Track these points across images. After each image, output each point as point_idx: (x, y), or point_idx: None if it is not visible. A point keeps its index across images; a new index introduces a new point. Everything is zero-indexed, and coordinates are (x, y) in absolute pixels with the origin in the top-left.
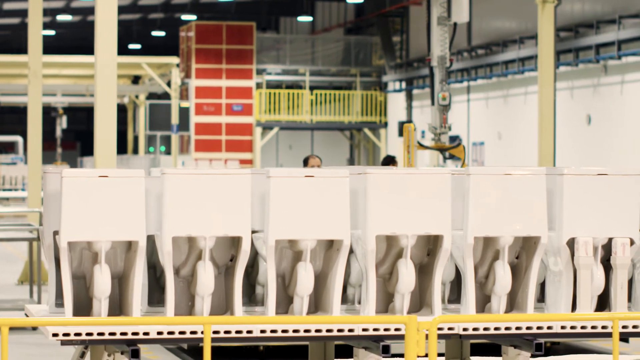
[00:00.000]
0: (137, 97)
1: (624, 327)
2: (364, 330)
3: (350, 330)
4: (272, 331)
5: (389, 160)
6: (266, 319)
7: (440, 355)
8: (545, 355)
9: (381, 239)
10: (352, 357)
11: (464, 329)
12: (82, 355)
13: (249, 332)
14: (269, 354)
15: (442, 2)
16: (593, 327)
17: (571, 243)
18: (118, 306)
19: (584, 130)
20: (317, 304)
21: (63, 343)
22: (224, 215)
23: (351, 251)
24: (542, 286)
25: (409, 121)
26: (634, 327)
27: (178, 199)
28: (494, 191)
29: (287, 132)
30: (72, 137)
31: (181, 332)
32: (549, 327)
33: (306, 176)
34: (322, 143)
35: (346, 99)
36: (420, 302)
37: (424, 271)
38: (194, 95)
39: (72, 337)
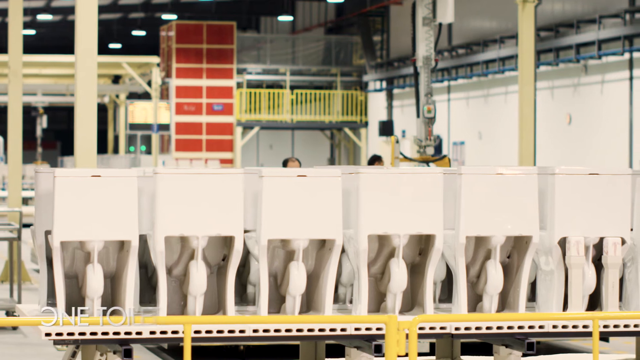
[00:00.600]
0: (117, 96)
1: (615, 326)
2: (342, 330)
3: (342, 330)
4: (265, 330)
5: (375, 159)
6: (246, 318)
7: (427, 354)
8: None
9: (373, 238)
10: (343, 356)
11: (456, 329)
12: (74, 355)
13: (241, 331)
14: (250, 353)
15: (427, 3)
16: (585, 327)
17: (562, 242)
18: (110, 306)
19: (565, 130)
20: (309, 304)
21: (56, 343)
22: (216, 214)
23: (342, 250)
24: (532, 285)
25: (390, 121)
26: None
27: (171, 198)
28: (486, 191)
29: (267, 132)
30: (52, 136)
31: (174, 332)
32: (540, 327)
33: (298, 176)
34: (303, 142)
35: (327, 98)
36: (412, 301)
37: (415, 271)
38: (174, 95)
39: (65, 336)
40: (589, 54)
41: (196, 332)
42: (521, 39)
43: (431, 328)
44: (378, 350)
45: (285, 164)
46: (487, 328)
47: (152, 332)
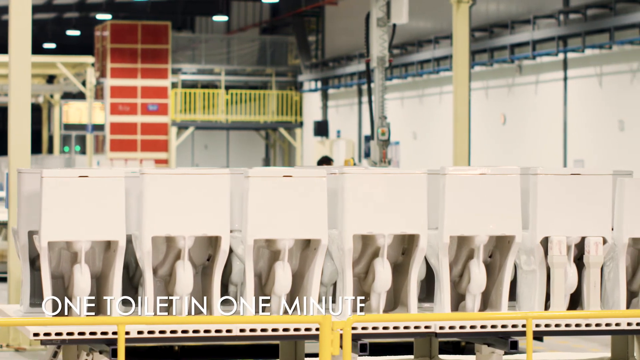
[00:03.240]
0: (52, 96)
1: (597, 324)
2: (284, 330)
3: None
4: (252, 330)
5: (324, 161)
6: (180, 319)
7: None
8: (458, 353)
9: (357, 238)
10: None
11: (441, 327)
12: (55, 355)
13: (228, 331)
14: (184, 354)
15: (381, 5)
16: (567, 325)
17: (544, 242)
18: (96, 306)
19: (499, 130)
20: (292, 303)
21: (43, 342)
22: (203, 215)
23: None
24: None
25: (325, 122)
26: (607, 325)
27: (158, 198)
28: (469, 191)
29: (202, 132)
30: None
31: (161, 332)
32: (523, 326)
33: (284, 176)
34: (238, 143)
35: (262, 98)
36: (394, 301)
37: (398, 270)
38: (109, 95)
39: (53, 336)
40: (523, 54)
41: (183, 331)
42: (456, 40)
43: (416, 327)
44: (363, 349)
45: None
46: (471, 327)
47: (140, 332)
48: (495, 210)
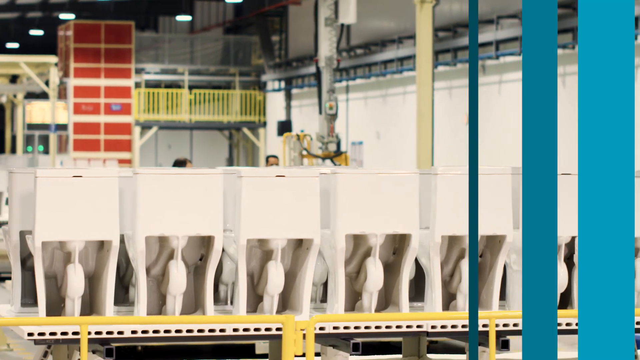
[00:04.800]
0: (15, 96)
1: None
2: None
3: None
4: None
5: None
6: (144, 319)
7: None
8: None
9: (349, 238)
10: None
11: (432, 327)
12: (45, 355)
13: (222, 330)
14: (147, 354)
15: (329, 4)
16: (558, 324)
17: None
18: (89, 306)
19: (462, 130)
20: (284, 303)
21: (37, 342)
22: (196, 214)
23: None
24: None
25: (288, 121)
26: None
27: (151, 198)
28: (461, 190)
29: (166, 132)
30: None
31: (155, 331)
32: (514, 324)
33: (277, 176)
34: (201, 143)
35: (225, 98)
36: (385, 300)
37: (389, 270)
38: (72, 95)
39: (47, 336)
40: (486, 54)
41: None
42: (419, 39)
43: (408, 326)
44: (356, 348)
45: (179, 164)
46: (463, 326)
47: (134, 332)
48: (486, 210)
